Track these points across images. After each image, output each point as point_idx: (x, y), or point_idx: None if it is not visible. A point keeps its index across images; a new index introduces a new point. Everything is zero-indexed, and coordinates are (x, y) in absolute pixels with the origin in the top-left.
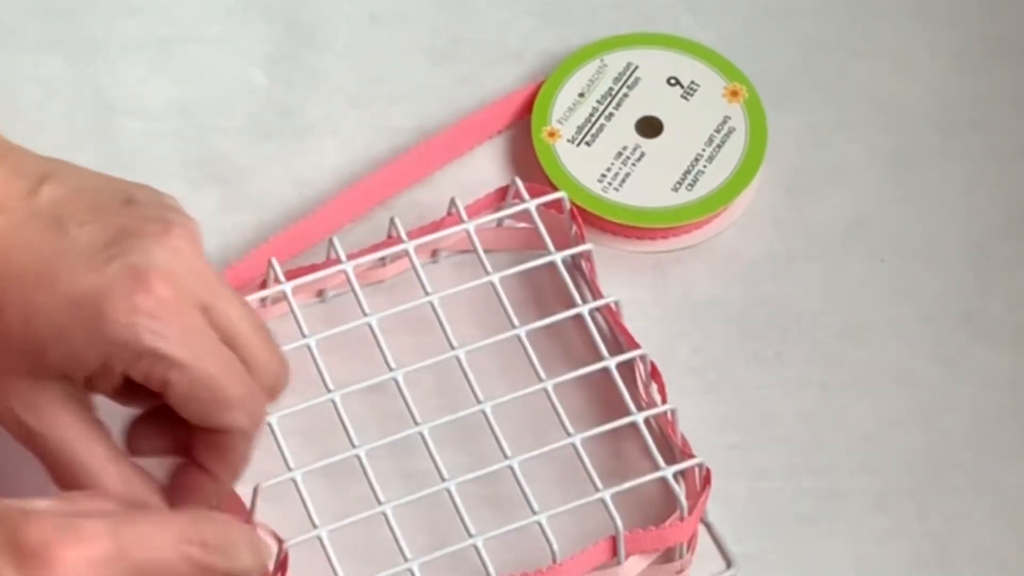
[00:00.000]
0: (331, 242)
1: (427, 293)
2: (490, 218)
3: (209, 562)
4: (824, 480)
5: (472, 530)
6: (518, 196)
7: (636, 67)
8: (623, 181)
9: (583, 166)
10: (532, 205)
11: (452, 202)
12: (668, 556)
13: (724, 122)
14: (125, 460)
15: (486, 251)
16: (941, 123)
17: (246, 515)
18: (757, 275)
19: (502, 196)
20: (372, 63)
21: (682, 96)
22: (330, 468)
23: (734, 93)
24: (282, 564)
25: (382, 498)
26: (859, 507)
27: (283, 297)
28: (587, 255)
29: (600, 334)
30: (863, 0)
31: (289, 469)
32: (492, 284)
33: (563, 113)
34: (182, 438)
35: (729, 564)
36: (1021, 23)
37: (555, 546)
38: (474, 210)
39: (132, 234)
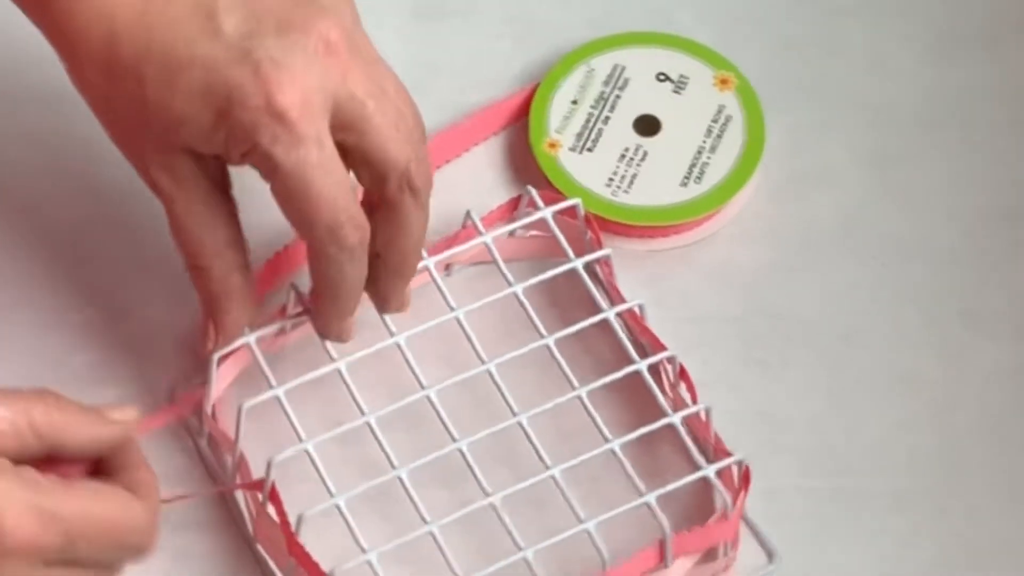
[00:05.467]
0: None
1: (452, 308)
2: (505, 229)
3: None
4: (839, 484)
5: (521, 543)
6: (532, 205)
7: (623, 68)
8: (631, 183)
9: (589, 173)
10: (548, 213)
11: (468, 215)
12: (711, 555)
13: (720, 111)
14: (239, 252)
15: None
16: (922, 119)
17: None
18: (755, 282)
19: (514, 206)
20: None
21: (674, 91)
22: (372, 491)
23: (724, 81)
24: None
25: (428, 517)
26: (877, 509)
27: (304, 322)
28: (605, 260)
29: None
30: None
31: (331, 495)
32: (516, 295)
33: (560, 122)
34: None
35: (771, 557)
36: (991, 15)
37: (605, 554)
38: (488, 221)
39: (275, 27)
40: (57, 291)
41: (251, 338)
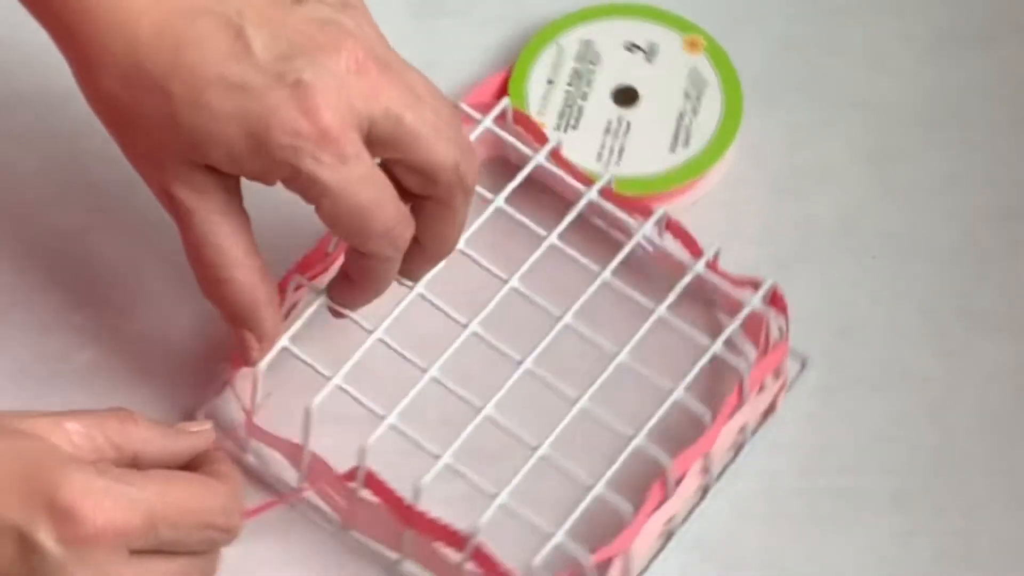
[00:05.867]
0: None
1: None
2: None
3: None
4: (838, 481)
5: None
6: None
7: (591, 42)
8: (620, 155)
9: (577, 151)
10: (488, 123)
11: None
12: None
13: (693, 74)
14: (260, 260)
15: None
16: (922, 118)
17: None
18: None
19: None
20: None
21: (645, 59)
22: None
23: (693, 44)
24: None
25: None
26: (876, 506)
27: None
28: (556, 150)
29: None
30: None
31: (437, 456)
32: (501, 209)
33: (539, 104)
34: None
35: (804, 364)
36: (990, 15)
37: (702, 409)
38: None
39: (304, 48)
40: (57, 291)
41: (286, 340)
